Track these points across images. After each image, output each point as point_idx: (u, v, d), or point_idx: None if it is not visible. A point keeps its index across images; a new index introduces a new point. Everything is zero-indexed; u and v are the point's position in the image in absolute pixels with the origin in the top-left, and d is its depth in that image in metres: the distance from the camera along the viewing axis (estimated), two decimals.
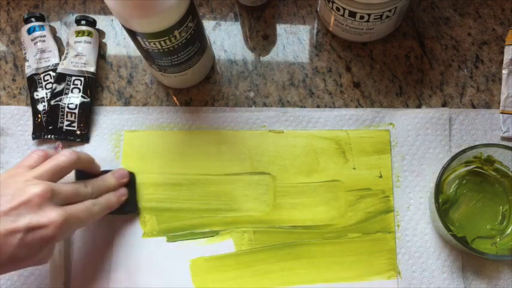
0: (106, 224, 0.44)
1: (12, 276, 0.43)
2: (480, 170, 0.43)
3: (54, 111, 0.46)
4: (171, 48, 0.40)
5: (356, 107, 0.47)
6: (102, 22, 0.51)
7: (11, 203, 0.34)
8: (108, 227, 0.44)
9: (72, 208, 0.37)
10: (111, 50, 0.50)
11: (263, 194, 0.45)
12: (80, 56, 0.47)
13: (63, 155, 0.39)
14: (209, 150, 0.46)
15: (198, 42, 0.42)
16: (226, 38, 0.50)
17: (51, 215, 0.35)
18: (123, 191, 0.43)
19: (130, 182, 0.44)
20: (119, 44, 0.50)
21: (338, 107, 0.47)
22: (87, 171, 0.42)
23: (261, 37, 0.50)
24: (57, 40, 0.50)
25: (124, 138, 0.46)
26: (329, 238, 0.44)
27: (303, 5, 0.51)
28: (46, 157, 0.39)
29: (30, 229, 0.34)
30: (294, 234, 0.44)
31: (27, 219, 0.34)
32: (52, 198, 0.36)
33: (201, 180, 0.45)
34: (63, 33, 0.51)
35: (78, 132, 0.46)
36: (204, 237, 0.44)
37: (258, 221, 0.44)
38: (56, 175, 0.38)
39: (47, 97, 0.47)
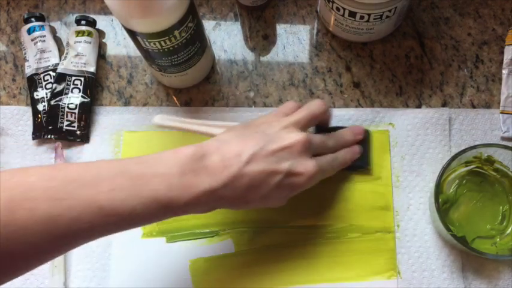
0: None
1: None
2: (480, 170, 0.43)
3: (54, 111, 0.46)
4: (171, 48, 0.40)
5: (356, 107, 0.47)
6: (102, 22, 0.51)
7: (276, 144, 0.36)
8: None
9: (321, 161, 0.38)
10: (111, 50, 0.50)
11: None
12: (80, 56, 0.47)
13: (315, 105, 0.40)
14: None
15: (198, 42, 0.42)
16: (226, 38, 0.50)
17: (307, 164, 0.36)
18: (357, 148, 0.43)
19: (364, 139, 0.44)
20: (119, 44, 0.50)
21: (338, 107, 0.47)
22: (324, 124, 0.43)
23: (261, 37, 0.50)
24: (57, 40, 0.50)
25: (123, 139, 0.46)
26: (329, 238, 0.44)
27: (303, 5, 0.51)
28: (299, 107, 0.40)
29: (289, 174, 0.36)
30: (294, 234, 0.44)
31: (288, 164, 0.36)
32: (309, 148, 0.37)
33: None
34: (63, 33, 0.51)
35: (78, 132, 0.46)
36: (203, 238, 0.44)
37: (258, 221, 0.44)
38: (309, 123, 0.39)
39: (47, 97, 0.47)
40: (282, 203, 0.38)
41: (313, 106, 0.40)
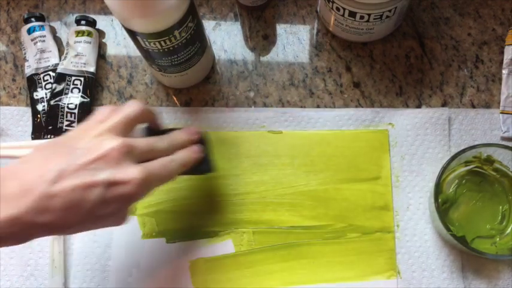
0: None
1: (12, 276, 0.43)
2: (480, 170, 0.43)
3: (54, 111, 0.46)
4: (171, 48, 0.40)
5: (356, 107, 0.47)
6: (102, 22, 0.51)
7: (87, 156, 0.32)
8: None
9: (151, 165, 0.34)
10: (111, 50, 0.50)
11: (262, 194, 0.45)
12: (80, 56, 0.47)
13: (130, 106, 0.36)
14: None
15: (198, 42, 0.42)
16: (226, 38, 0.50)
17: (131, 171, 0.32)
18: (197, 147, 0.39)
19: (204, 141, 0.40)
20: (119, 44, 0.50)
21: (338, 107, 0.47)
22: (153, 127, 0.39)
23: (261, 37, 0.50)
24: (57, 40, 0.50)
25: None
26: (329, 238, 0.44)
27: (303, 5, 0.51)
28: (115, 111, 0.36)
29: (111, 184, 0.32)
30: (294, 234, 0.44)
31: (106, 174, 0.32)
32: (130, 153, 0.33)
33: (199, 181, 0.45)
34: (63, 33, 0.51)
35: None
36: (203, 238, 0.44)
37: (257, 221, 0.44)
38: (128, 127, 0.35)
39: (46, 97, 0.47)
40: (119, 220, 0.34)
41: (128, 108, 0.36)
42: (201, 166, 0.39)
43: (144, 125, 0.39)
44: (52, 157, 0.32)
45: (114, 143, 0.33)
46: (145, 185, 0.33)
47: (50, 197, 0.31)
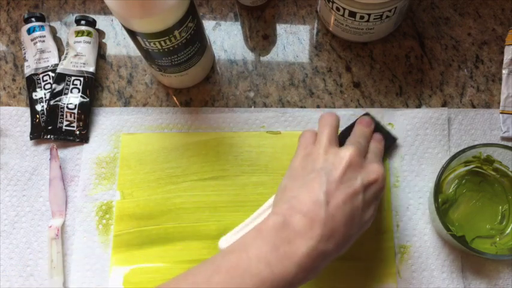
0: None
1: (11, 277, 0.43)
2: (479, 170, 0.43)
3: (54, 111, 0.46)
4: (171, 48, 0.40)
5: (356, 107, 0.48)
6: (102, 22, 0.51)
7: (336, 171, 0.34)
8: None
9: (377, 157, 0.38)
10: (111, 50, 0.50)
11: (260, 196, 0.45)
12: (79, 56, 0.47)
13: (328, 118, 0.38)
14: (207, 152, 0.46)
15: (198, 42, 0.42)
16: (226, 38, 0.50)
17: (374, 168, 0.36)
18: (379, 136, 0.41)
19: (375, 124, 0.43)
20: (119, 44, 0.50)
21: (338, 107, 0.47)
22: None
23: (261, 37, 0.50)
24: (57, 40, 0.50)
25: (122, 140, 0.46)
26: None
27: (303, 5, 0.51)
28: (321, 128, 0.39)
29: (366, 187, 0.35)
30: None
31: (360, 179, 0.34)
32: (361, 154, 0.36)
33: (198, 182, 0.45)
34: (63, 33, 0.51)
35: (78, 132, 0.46)
36: (202, 240, 0.44)
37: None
38: (336, 136, 0.38)
39: (45, 97, 0.47)
40: (372, 219, 0.36)
41: (328, 120, 0.38)
42: (386, 142, 0.42)
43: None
44: (310, 183, 0.34)
45: (348, 151, 0.35)
46: (385, 175, 0.36)
47: (331, 219, 0.33)
